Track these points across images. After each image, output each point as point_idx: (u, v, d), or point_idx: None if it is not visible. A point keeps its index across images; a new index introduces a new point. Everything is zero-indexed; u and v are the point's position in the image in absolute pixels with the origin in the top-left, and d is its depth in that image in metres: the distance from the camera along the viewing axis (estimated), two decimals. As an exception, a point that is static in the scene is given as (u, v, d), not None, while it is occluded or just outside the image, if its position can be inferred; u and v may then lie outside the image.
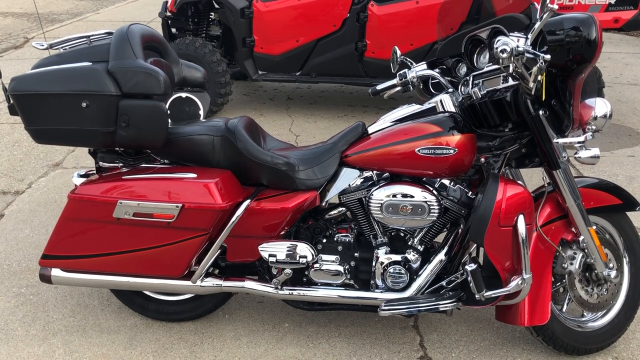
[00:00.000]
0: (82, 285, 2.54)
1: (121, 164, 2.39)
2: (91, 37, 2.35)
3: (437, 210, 2.26)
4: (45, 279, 2.45)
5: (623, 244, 2.49)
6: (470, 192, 2.32)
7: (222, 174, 2.30)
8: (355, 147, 2.34)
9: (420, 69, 2.43)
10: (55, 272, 2.44)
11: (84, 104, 2.13)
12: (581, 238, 2.33)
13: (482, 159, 2.31)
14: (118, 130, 2.17)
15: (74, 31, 8.78)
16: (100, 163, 2.40)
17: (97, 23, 9.70)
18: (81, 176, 2.42)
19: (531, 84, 2.00)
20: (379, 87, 2.52)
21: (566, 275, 2.38)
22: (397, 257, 2.35)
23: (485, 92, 2.20)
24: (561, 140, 2.17)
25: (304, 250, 2.33)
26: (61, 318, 2.73)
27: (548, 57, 1.94)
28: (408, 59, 2.54)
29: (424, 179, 2.31)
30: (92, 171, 2.45)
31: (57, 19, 10.26)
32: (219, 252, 2.40)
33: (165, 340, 2.59)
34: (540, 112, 2.13)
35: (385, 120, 2.37)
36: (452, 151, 2.20)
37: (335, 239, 2.42)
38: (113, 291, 2.67)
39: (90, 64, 2.18)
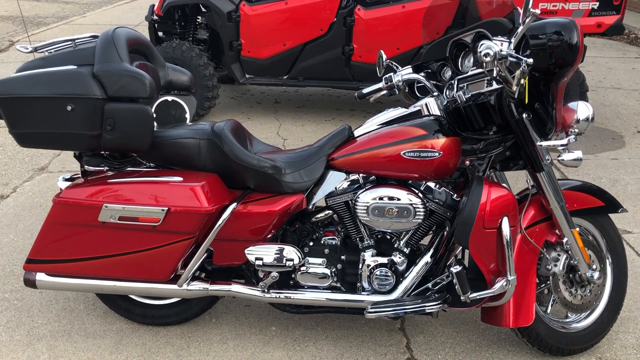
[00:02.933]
0: (67, 289, 2.53)
1: (107, 168, 2.38)
2: (76, 41, 2.34)
3: (422, 213, 2.27)
4: (30, 283, 2.44)
5: (606, 245, 2.53)
6: (456, 195, 2.34)
7: (208, 177, 2.30)
8: (342, 151, 2.35)
9: (405, 73, 2.45)
10: (40, 277, 2.42)
11: (69, 108, 2.12)
12: (565, 240, 2.36)
13: (467, 162, 2.33)
14: (103, 134, 2.17)
15: (59, 34, 8.73)
16: (86, 167, 2.38)
17: (83, 26, 9.64)
18: (66, 180, 2.41)
19: (514, 88, 2.03)
20: (365, 90, 2.54)
21: (550, 277, 2.40)
22: (384, 260, 2.36)
23: (469, 95, 2.22)
24: (544, 143, 2.19)
25: (290, 253, 2.33)
26: (46, 323, 2.70)
27: (531, 61, 1.96)
28: (394, 63, 2.56)
29: (410, 181, 2.33)
30: (78, 175, 2.44)
31: (43, 22, 10.19)
32: (205, 255, 2.40)
33: (151, 345, 2.58)
34: (524, 116, 2.16)
35: (372, 124, 2.39)
36: (437, 154, 2.21)
37: (322, 242, 2.43)
38: (99, 295, 2.66)
39: (76, 67, 2.17)
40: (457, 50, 2.32)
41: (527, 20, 1.95)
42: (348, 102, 6.05)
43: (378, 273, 2.35)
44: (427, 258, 2.35)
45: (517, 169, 2.37)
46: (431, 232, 2.43)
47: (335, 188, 2.36)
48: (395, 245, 2.39)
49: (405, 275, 2.36)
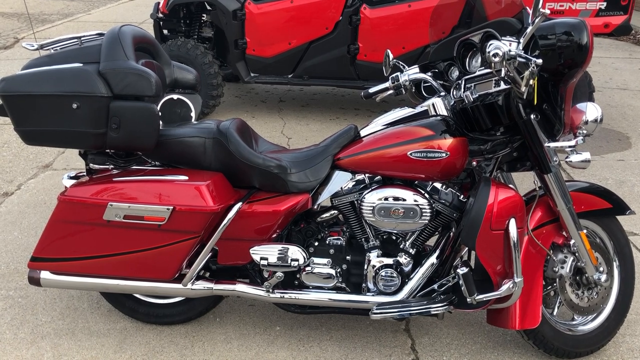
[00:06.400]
0: (72, 287, 2.53)
1: (112, 166, 2.38)
2: (82, 38, 2.33)
3: (428, 214, 2.26)
4: (34, 281, 2.43)
5: (613, 247, 2.51)
6: (462, 196, 2.32)
7: (213, 176, 2.29)
8: (348, 150, 2.33)
9: (412, 73, 2.44)
10: (45, 275, 2.42)
11: (74, 105, 2.12)
12: (572, 242, 2.34)
13: (474, 163, 2.31)
14: (109, 132, 2.16)
15: (64, 32, 8.73)
16: (91, 165, 2.38)
17: (88, 24, 9.64)
18: (71, 178, 2.41)
19: (523, 88, 2.01)
20: (372, 90, 2.52)
21: (557, 279, 2.39)
22: (389, 261, 2.35)
23: (477, 95, 2.20)
24: (552, 144, 2.18)
25: (295, 253, 2.32)
26: (50, 321, 2.70)
27: (540, 61, 1.94)
28: (400, 62, 2.55)
29: (416, 182, 2.31)
30: (83, 173, 2.43)
31: (48, 20, 10.20)
32: (210, 255, 2.39)
33: (155, 344, 2.57)
34: (532, 116, 2.14)
35: (378, 124, 2.37)
36: (444, 155, 2.20)
37: (327, 242, 2.42)
38: (103, 294, 2.65)
39: (81, 65, 2.16)
40: (465, 50, 2.30)
41: (537, 20, 1.94)
42: (353, 101, 6.04)
43: (383, 274, 2.34)
44: (433, 259, 2.34)
45: (524, 170, 2.35)
46: (437, 233, 2.42)
47: (341, 188, 2.35)
48: (401, 246, 2.38)
49: (411, 276, 2.35)
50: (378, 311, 2.30)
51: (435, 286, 2.36)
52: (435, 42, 2.56)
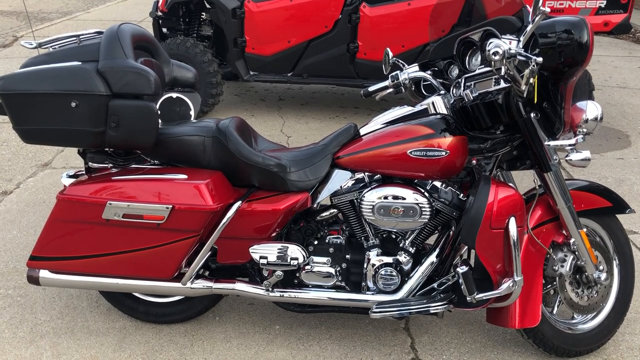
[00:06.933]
0: (71, 286, 2.52)
1: (111, 165, 2.37)
2: (81, 37, 2.33)
3: (428, 212, 2.26)
4: (33, 280, 2.43)
5: (613, 246, 2.51)
6: (462, 194, 2.32)
7: (212, 175, 2.28)
8: (347, 149, 2.33)
9: (412, 71, 2.43)
10: (44, 274, 2.41)
11: (73, 104, 2.11)
12: (572, 240, 2.34)
13: (474, 161, 2.31)
14: (108, 131, 2.15)
15: (63, 30, 8.72)
16: (90, 163, 2.37)
17: (87, 22, 9.63)
18: (70, 177, 2.40)
19: (523, 87, 2.01)
20: (371, 88, 2.52)
21: (557, 278, 2.38)
22: (389, 259, 2.35)
23: (476, 94, 2.20)
24: (552, 143, 2.17)
25: (295, 252, 2.32)
26: (49, 320, 2.70)
27: (540, 59, 1.94)
28: (400, 61, 2.55)
29: (416, 180, 2.31)
30: (82, 171, 2.43)
31: (47, 18, 10.19)
32: (209, 253, 2.39)
33: (154, 343, 2.57)
34: (532, 115, 2.14)
35: (377, 122, 2.37)
36: (443, 153, 2.19)
37: (327, 241, 2.42)
38: (102, 293, 2.65)
39: (80, 63, 2.16)
40: (465, 48, 2.30)
41: (537, 18, 1.93)
42: (352, 100, 6.03)
43: (383, 272, 2.34)
44: (432, 258, 2.33)
45: (524, 168, 2.35)
46: (437, 231, 2.41)
47: (341, 187, 2.34)
48: (401, 245, 2.38)
49: (411, 275, 2.35)
50: (378, 310, 2.30)
51: (435, 285, 2.36)
52: (435, 40, 2.56)
